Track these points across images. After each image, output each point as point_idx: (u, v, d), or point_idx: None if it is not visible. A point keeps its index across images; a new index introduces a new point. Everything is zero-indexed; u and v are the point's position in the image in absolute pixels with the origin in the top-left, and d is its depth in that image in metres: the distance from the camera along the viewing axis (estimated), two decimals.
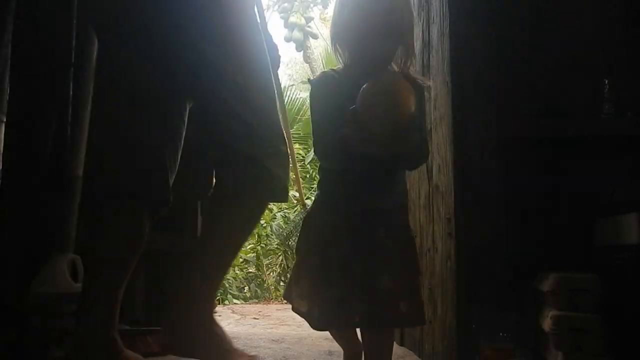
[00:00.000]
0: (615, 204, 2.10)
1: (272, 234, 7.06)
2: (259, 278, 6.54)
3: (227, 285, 4.39)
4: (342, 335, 1.85)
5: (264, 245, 7.05)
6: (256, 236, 6.64)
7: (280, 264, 6.17)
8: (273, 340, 2.53)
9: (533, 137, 2.17)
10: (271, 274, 6.65)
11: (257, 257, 6.63)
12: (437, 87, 2.28)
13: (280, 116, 1.95)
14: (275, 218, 6.95)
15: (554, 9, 2.38)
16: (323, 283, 1.64)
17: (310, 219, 1.79)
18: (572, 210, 2.23)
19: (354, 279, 1.63)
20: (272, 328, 2.89)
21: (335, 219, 1.70)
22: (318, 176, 1.83)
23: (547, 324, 1.89)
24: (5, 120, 2.36)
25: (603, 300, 1.86)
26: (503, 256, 2.04)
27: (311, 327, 1.71)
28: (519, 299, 2.09)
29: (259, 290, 6.48)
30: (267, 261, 6.99)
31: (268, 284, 6.49)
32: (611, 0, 2.40)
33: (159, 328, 2.25)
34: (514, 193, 2.16)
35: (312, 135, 1.73)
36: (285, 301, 1.86)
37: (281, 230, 6.71)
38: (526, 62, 2.34)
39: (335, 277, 1.64)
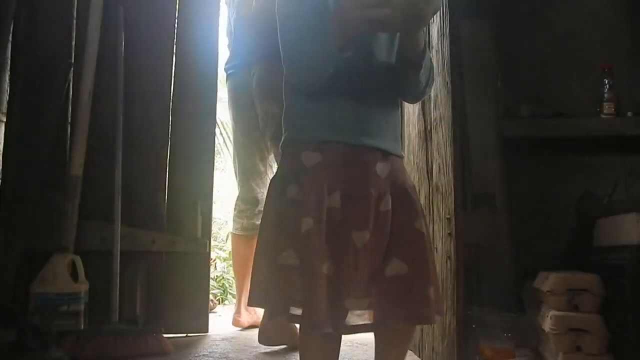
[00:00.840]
0: (615, 204, 2.10)
1: None
2: None
3: (227, 286, 4.38)
4: (325, 348, 1.31)
5: None
6: None
7: None
8: None
9: (533, 137, 2.17)
10: None
11: None
12: (437, 87, 2.28)
13: None
14: None
15: (555, 9, 2.38)
16: (314, 254, 1.20)
17: (284, 169, 1.34)
18: (572, 210, 2.23)
19: (356, 249, 1.22)
20: None
21: (322, 159, 1.27)
22: (285, 112, 1.40)
23: (547, 324, 1.89)
24: (5, 120, 2.36)
25: (603, 300, 1.86)
26: (503, 256, 2.04)
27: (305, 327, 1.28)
28: (519, 299, 2.09)
29: None
30: None
31: None
32: (612, 2, 2.40)
33: (159, 328, 2.25)
34: (513, 193, 2.16)
35: (282, 47, 1.33)
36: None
37: None
38: (526, 62, 2.34)
39: (332, 247, 1.21)
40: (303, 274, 1.20)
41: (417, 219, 1.29)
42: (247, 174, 2.85)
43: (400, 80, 1.35)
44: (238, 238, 2.91)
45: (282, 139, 1.37)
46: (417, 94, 1.42)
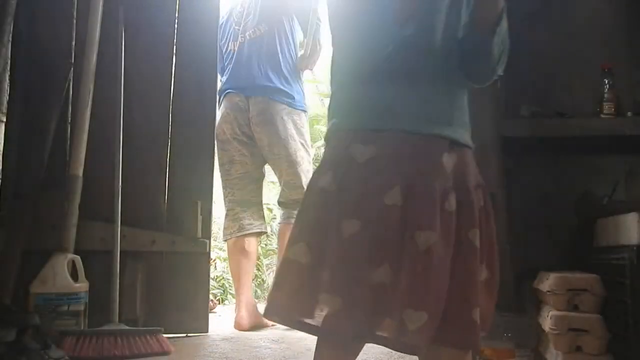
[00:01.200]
0: (615, 204, 2.10)
1: (272, 234, 7.05)
2: (259, 278, 6.53)
3: (227, 286, 4.38)
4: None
5: (263, 246, 7.04)
6: None
7: None
8: (273, 340, 2.53)
9: (533, 137, 2.17)
10: (271, 274, 6.65)
11: (257, 257, 6.58)
12: None
13: None
14: (275, 217, 6.93)
15: (555, 9, 2.38)
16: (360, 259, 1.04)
17: (324, 159, 1.16)
18: (572, 210, 2.23)
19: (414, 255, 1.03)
20: (272, 328, 2.89)
21: (377, 152, 1.08)
22: (331, 98, 1.24)
23: (547, 324, 1.89)
24: (5, 120, 2.36)
25: (603, 300, 1.86)
26: (503, 256, 2.04)
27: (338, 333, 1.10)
28: (519, 299, 2.09)
29: (258, 290, 6.47)
30: (267, 261, 6.97)
31: (268, 284, 6.48)
32: (612, 2, 2.40)
33: (159, 328, 2.25)
34: (514, 193, 2.16)
35: (331, 23, 1.16)
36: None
37: None
38: (526, 62, 2.34)
39: (379, 249, 1.04)
40: (314, 274, 1.06)
41: (472, 228, 1.10)
42: (244, 179, 3.00)
43: (469, 53, 1.15)
44: (235, 240, 2.97)
45: (328, 126, 1.19)
46: (486, 72, 1.19)
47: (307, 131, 3.10)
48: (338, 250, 1.05)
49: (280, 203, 3.06)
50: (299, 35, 3.08)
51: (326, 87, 6.86)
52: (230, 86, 3.00)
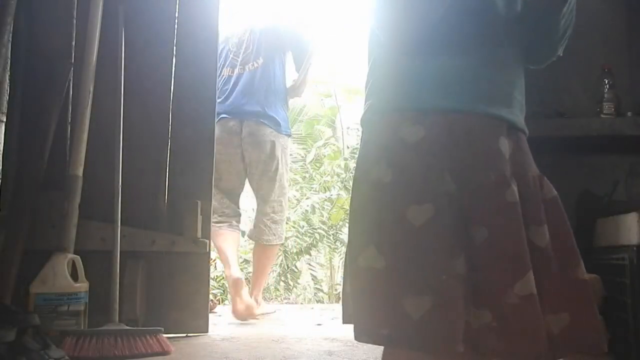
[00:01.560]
0: (615, 204, 2.10)
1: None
2: None
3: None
4: None
5: None
6: None
7: (280, 264, 6.17)
8: (273, 340, 2.53)
9: (533, 137, 2.17)
10: (271, 274, 6.64)
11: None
12: None
13: None
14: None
15: None
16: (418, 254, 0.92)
17: (368, 146, 1.04)
18: (572, 210, 2.23)
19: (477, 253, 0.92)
20: (272, 328, 2.89)
21: (427, 134, 0.95)
22: (370, 77, 1.08)
23: None
24: (5, 120, 2.36)
25: (603, 300, 1.86)
26: None
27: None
28: None
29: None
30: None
31: (268, 283, 6.47)
32: (612, 3, 2.40)
33: (159, 328, 2.25)
34: None
35: None
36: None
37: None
38: None
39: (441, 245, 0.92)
40: (393, 278, 0.92)
41: (532, 225, 0.97)
42: (228, 192, 3.33)
43: (530, 24, 1.04)
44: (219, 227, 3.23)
45: (365, 108, 1.05)
46: (548, 49, 1.08)
47: (289, 153, 3.55)
48: (411, 242, 0.92)
49: (258, 217, 3.35)
50: (290, 66, 3.45)
51: (326, 88, 6.86)
52: (224, 111, 3.27)
